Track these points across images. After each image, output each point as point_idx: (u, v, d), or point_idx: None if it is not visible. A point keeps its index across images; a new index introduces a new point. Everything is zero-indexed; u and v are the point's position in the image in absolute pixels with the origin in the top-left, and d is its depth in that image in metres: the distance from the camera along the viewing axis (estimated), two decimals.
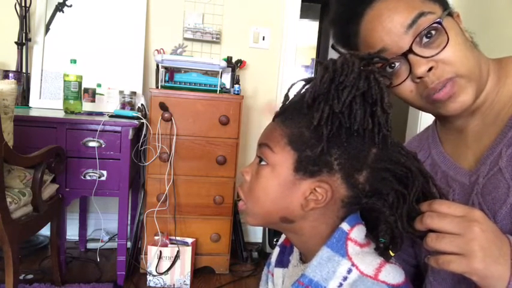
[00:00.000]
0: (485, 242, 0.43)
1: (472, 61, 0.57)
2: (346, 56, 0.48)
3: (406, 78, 0.58)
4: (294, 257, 0.62)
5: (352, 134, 0.48)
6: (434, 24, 0.55)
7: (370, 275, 0.47)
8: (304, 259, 0.58)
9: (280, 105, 0.55)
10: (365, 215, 0.53)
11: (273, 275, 0.65)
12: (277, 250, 0.66)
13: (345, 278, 0.47)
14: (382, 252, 0.50)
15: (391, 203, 0.48)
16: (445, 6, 0.59)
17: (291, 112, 0.52)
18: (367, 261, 0.48)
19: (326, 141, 0.47)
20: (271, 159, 0.51)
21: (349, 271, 0.47)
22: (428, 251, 0.47)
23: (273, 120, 0.55)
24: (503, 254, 0.44)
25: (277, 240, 2.34)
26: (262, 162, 0.53)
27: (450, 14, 0.59)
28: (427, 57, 0.56)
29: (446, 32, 0.55)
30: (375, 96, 0.46)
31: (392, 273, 0.48)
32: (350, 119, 0.46)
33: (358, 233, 0.50)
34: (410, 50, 0.56)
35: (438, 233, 0.45)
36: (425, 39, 0.56)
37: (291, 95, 0.54)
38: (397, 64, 0.59)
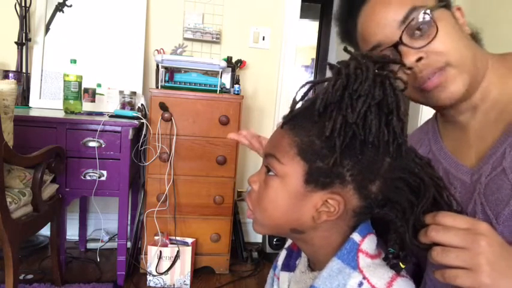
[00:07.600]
0: (492, 255, 0.42)
1: (465, 52, 0.57)
2: (358, 58, 0.46)
3: (398, 70, 0.58)
4: (302, 263, 0.60)
5: (366, 145, 0.45)
6: (424, 15, 0.56)
7: None
8: (313, 267, 0.57)
9: (288, 110, 0.51)
10: (375, 221, 0.52)
11: (278, 278, 0.64)
12: (284, 253, 0.65)
13: None
14: (392, 263, 0.48)
15: (403, 212, 0.46)
16: None
17: (300, 119, 0.49)
18: (378, 274, 0.47)
19: (339, 152, 0.44)
20: (280, 170, 0.49)
21: (360, 284, 0.46)
22: (434, 264, 0.46)
23: (281, 127, 0.51)
24: (510, 267, 0.43)
25: (277, 241, 2.33)
26: (270, 173, 0.50)
27: (447, 7, 0.59)
28: (417, 48, 0.56)
29: (434, 22, 0.56)
30: (391, 105, 0.43)
31: None
32: (365, 129, 0.44)
33: (369, 243, 0.49)
34: (400, 41, 0.57)
35: (443, 246, 0.44)
36: (417, 32, 0.57)
37: (298, 98, 0.52)
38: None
